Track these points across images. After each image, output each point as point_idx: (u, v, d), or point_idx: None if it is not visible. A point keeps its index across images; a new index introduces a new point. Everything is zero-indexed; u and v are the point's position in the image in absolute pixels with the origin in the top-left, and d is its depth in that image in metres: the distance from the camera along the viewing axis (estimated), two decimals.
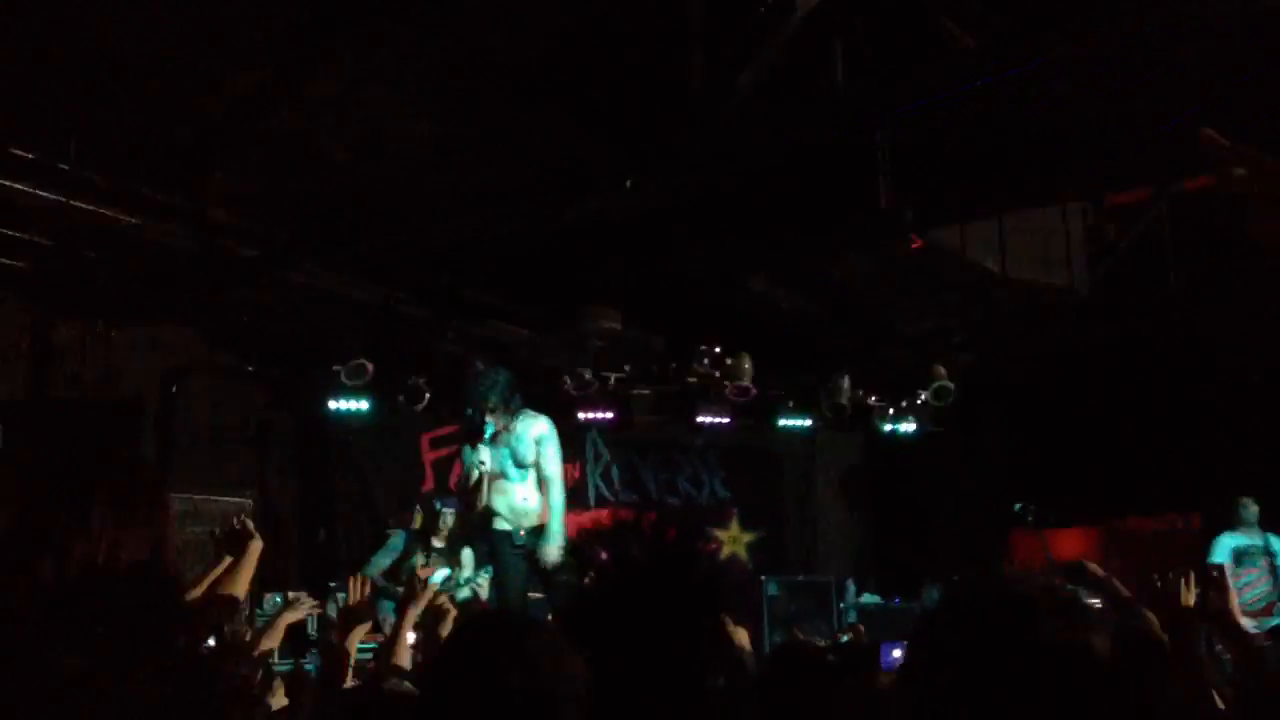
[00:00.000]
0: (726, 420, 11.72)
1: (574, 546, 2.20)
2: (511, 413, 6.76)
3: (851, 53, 5.78)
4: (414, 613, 4.05)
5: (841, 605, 11.12)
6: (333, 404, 9.95)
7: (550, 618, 5.00)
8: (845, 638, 7.99)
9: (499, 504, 6.77)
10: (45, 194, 6.35)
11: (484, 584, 8.07)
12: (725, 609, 2.17)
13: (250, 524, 3.58)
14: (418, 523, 8.36)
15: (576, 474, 11.52)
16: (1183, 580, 3.43)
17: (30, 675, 1.38)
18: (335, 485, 10.82)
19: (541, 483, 6.81)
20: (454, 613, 4.22)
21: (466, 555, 8.29)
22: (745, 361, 10.41)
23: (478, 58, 5.71)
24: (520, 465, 6.77)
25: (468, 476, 6.85)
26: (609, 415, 11.29)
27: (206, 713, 1.45)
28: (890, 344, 10.75)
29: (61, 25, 5.34)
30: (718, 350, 10.42)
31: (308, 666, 7.14)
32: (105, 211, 6.67)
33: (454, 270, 8.51)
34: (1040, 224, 8.38)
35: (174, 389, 9.47)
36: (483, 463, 6.66)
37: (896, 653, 8.77)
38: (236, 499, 8.72)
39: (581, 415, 10.99)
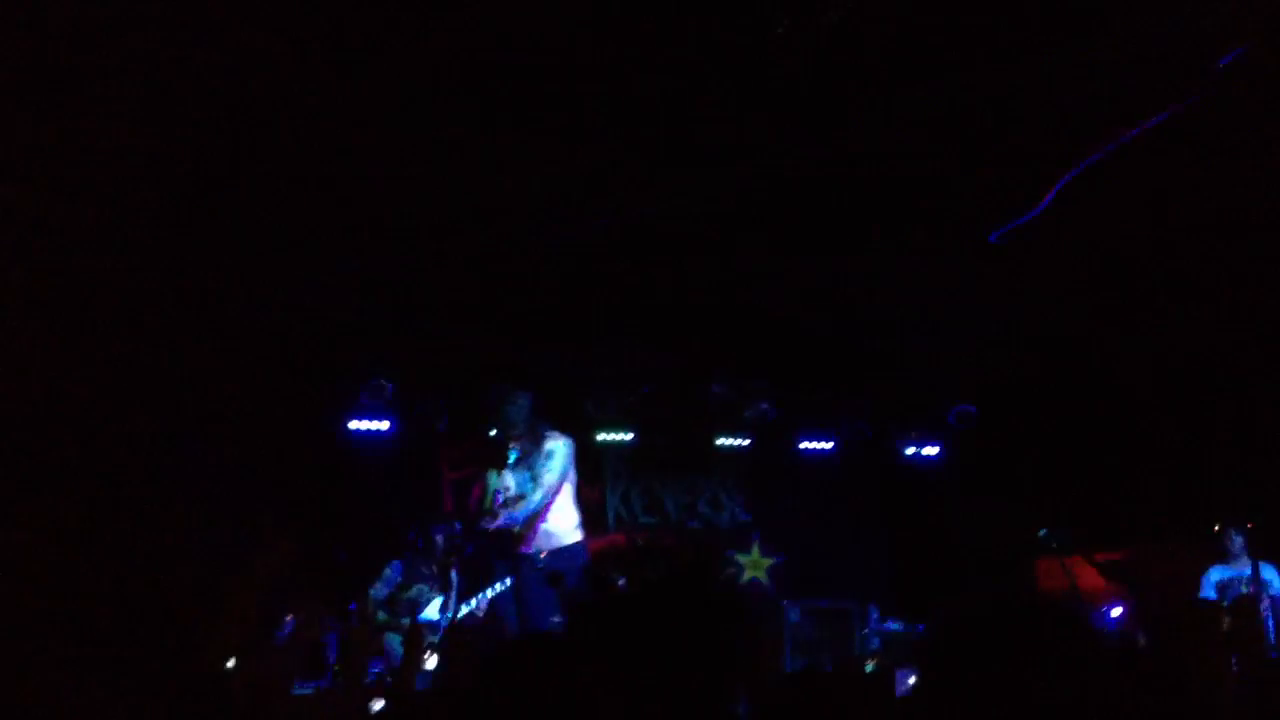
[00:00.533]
0: (746, 443, 11.66)
1: (591, 570, 2.18)
2: (535, 436, 6.74)
3: None
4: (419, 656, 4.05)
5: (864, 631, 11.00)
6: (352, 424, 9.95)
7: (568, 641, 4.94)
8: (870, 665, 7.91)
9: (521, 528, 6.75)
10: None
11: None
12: (746, 634, 2.13)
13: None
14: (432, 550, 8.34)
15: (596, 496, 11.46)
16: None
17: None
18: (354, 506, 10.79)
19: (532, 481, 6.74)
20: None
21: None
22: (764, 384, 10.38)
23: (502, 62, 5.68)
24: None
25: (490, 500, 6.83)
26: (628, 436, 11.24)
27: None
28: (913, 366, 10.68)
29: None
30: (738, 372, 10.38)
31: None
32: None
33: (474, 287, 8.50)
34: None
35: None
36: (507, 488, 6.63)
37: (912, 680, 8.71)
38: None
39: (600, 436, 10.94)
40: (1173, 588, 8.72)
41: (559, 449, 6.81)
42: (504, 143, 6.43)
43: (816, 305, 9.25)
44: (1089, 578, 10.36)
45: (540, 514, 6.72)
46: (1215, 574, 8.41)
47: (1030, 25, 5.47)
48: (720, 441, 11.71)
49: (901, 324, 9.70)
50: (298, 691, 5.71)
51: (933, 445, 11.79)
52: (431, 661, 7.27)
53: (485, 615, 7.93)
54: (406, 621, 7.73)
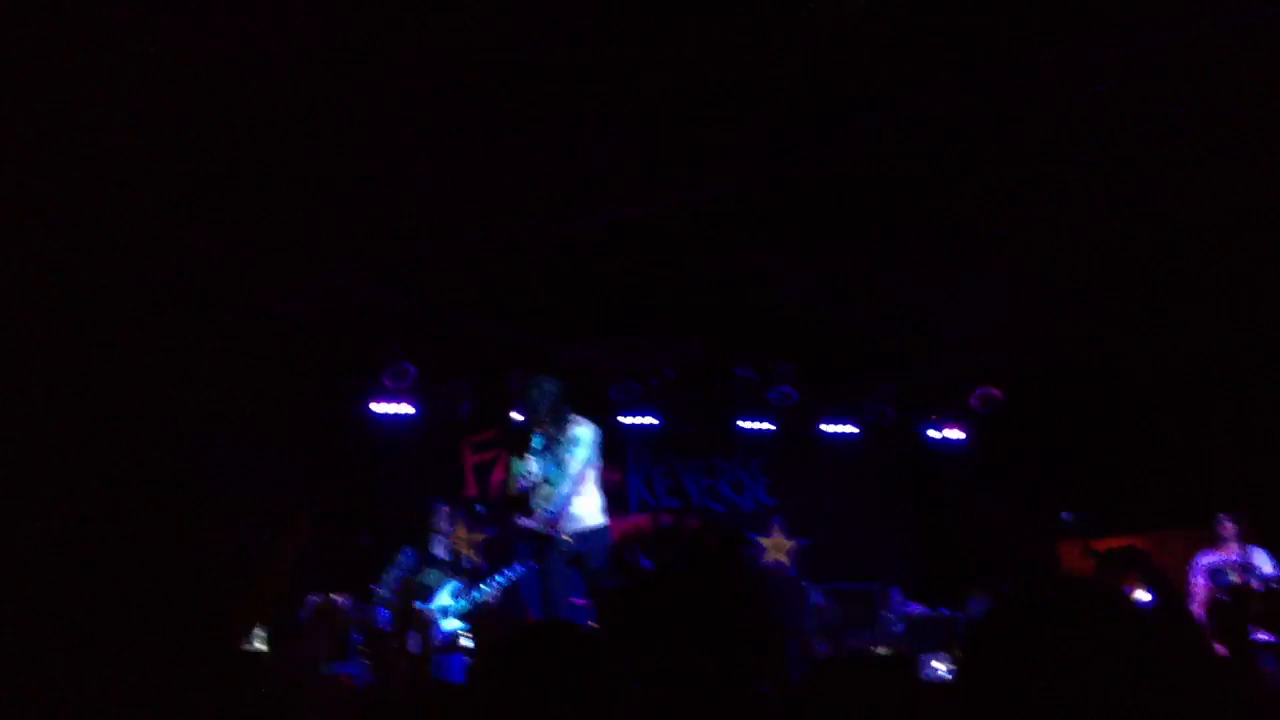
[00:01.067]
0: (769, 426, 11.66)
1: (616, 553, 2.18)
2: (560, 423, 6.74)
3: None
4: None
5: (887, 614, 11.00)
6: (375, 407, 10.00)
7: (593, 623, 4.97)
8: (884, 650, 7.92)
9: (545, 511, 6.77)
10: None
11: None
12: (770, 616, 2.13)
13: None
14: (459, 530, 8.38)
15: (618, 478, 11.49)
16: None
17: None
18: (377, 488, 10.85)
19: (557, 467, 6.74)
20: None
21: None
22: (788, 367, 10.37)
23: (520, 57, 5.69)
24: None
25: (515, 486, 6.84)
26: (651, 420, 11.26)
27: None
28: (936, 350, 10.66)
29: None
30: (761, 355, 10.38)
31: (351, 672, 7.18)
32: None
33: (496, 274, 8.52)
34: None
35: None
36: (530, 473, 6.63)
37: (935, 663, 8.70)
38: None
39: (623, 420, 10.95)
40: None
41: (585, 436, 6.80)
42: (529, 135, 6.44)
43: (840, 290, 9.24)
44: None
45: (568, 500, 6.74)
46: (1204, 559, 8.41)
47: (1044, 20, 5.44)
48: (743, 425, 11.72)
49: (925, 308, 9.67)
50: (326, 672, 5.78)
51: (956, 429, 11.76)
52: (415, 643, 7.33)
53: (501, 598, 7.98)
54: (421, 607, 7.78)
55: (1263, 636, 7.64)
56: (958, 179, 7.08)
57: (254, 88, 5.89)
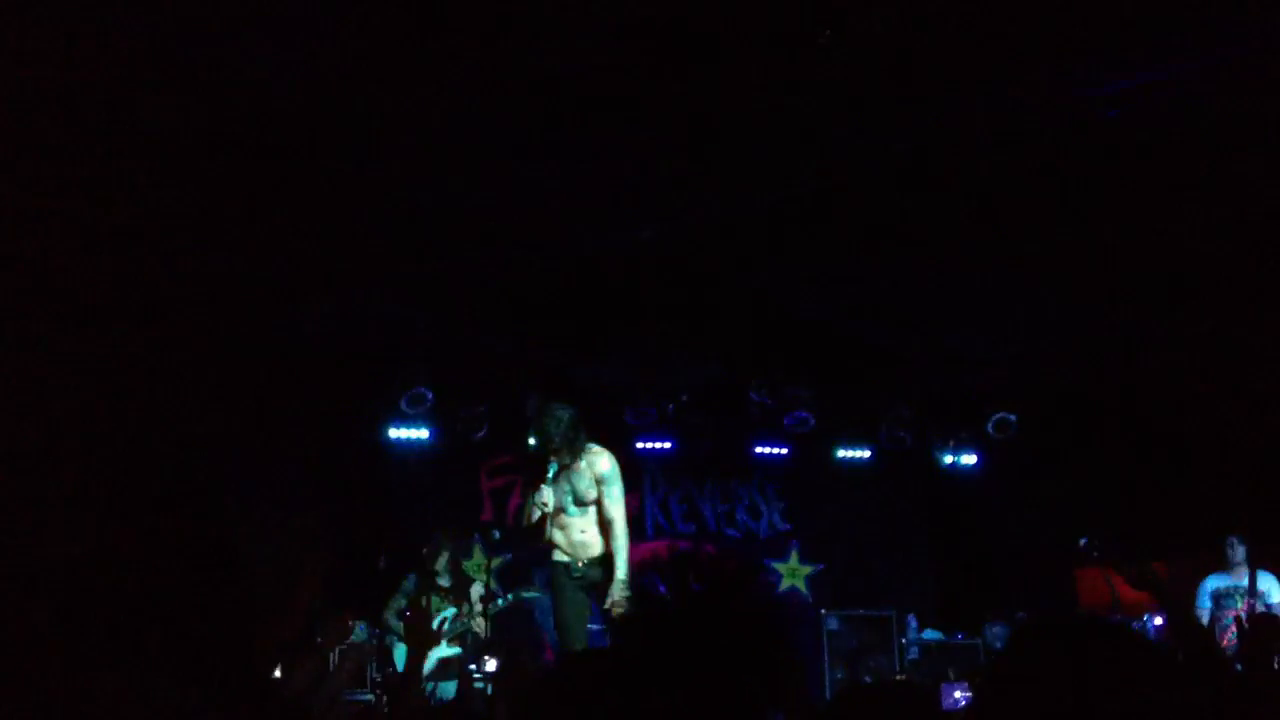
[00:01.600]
0: (785, 451, 11.64)
1: (632, 579, 2.19)
2: (576, 450, 6.73)
3: None
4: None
5: (903, 640, 10.95)
6: (393, 432, 10.03)
7: (608, 650, 4.96)
8: (900, 677, 7.88)
9: (558, 538, 6.76)
10: None
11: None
12: (786, 644, 2.13)
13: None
14: (440, 561, 8.42)
15: (634, 504, 11.48)
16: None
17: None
18: (394, 513, 10.86)
19: (604, 524, 6.74)
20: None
21: (476, 590, 8.35)
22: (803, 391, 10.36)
23: (538, 75, 5.72)
24: (580, 503, 6.74)
25: (529, 515, 6.83)
26: (667, 445, 11.26)
27: None
28: (952, 373, 10.64)
29: None
30: (776, 379, 10.37)
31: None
32: None
33: (513, 297, 8.55)
34: None
35: None
36: (545, 503, 6.62)
37: (957, 694, 8.65)
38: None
39: (639, 445, 10.96)
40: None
41: (609, 474, 6.77)
42: (541, 155, 6.47)
43: (855, 314, 9.24)
44: (1129, 586, 10.25)
45: (626, 548, 6.70)
46: (1211, 583, 8.31)
47: (1073, 28, 5.45)
48: (759, 450, 11.70)
49: (940, 332, 9.66)
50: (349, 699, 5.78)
51: (971, 453, 11.72)
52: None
53: (500, 628, 8.01)
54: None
55: None
56: (973, 201, 7.08)
57: (276, 106, 5.94)
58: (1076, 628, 1.34)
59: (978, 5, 5.22)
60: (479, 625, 8.20)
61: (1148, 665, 1.27)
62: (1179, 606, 3.59)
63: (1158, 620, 8.94)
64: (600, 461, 6.76)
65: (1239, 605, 8.16)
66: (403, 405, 9.47)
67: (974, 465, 11.72)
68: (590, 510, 6.77)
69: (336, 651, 5.66)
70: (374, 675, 8.38)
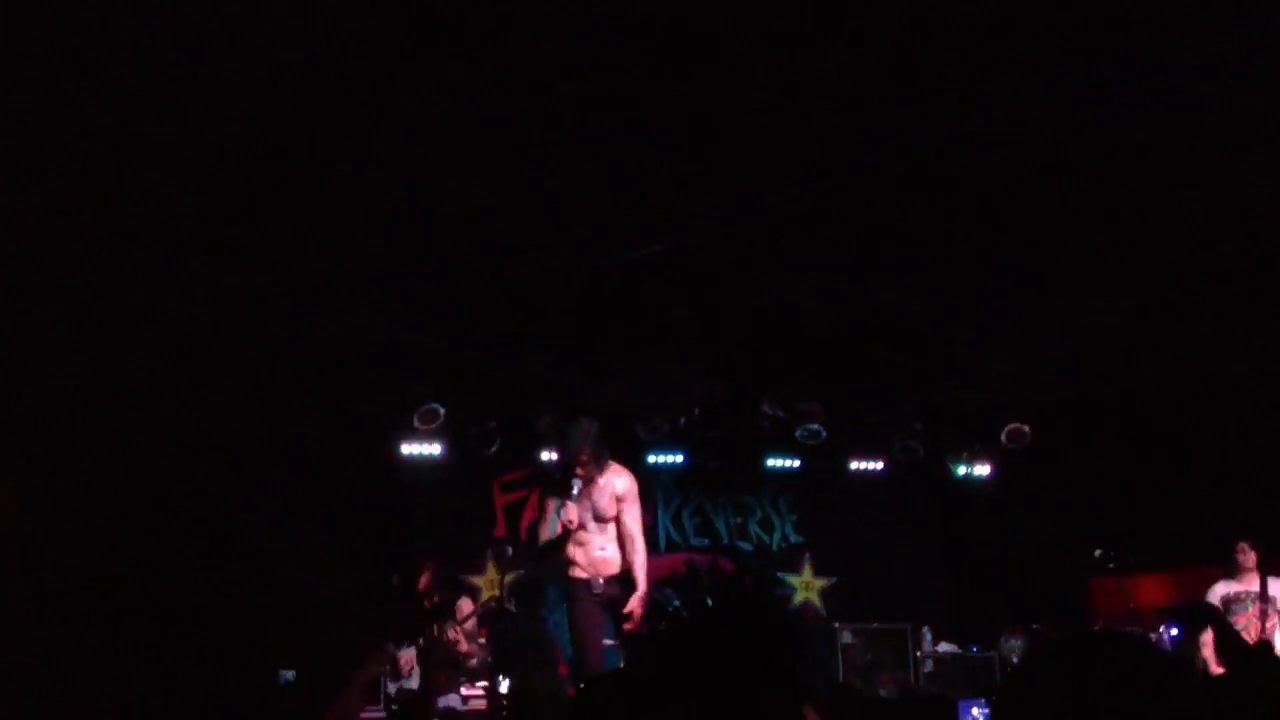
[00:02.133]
0: (797, 463, 11.63)
1: (648, 594, 2.20)
2: (599, 466, 6.73)
3: None
4: None
5: (918, 653, 10.91)
6: (405, 448, 10.04)
7: (624, 666, 4.95)
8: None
9: (576, 555, 6.75)
10: None
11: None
12: (802, 659, 2.13)
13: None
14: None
15: (647, 518, 11.47)
16: None
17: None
18: (408, 530, 10.86)
19: (624, 540, 6.75)
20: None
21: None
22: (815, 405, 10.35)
23: (548, 92, 5.74)
24: (600, 519, 6.75)
25: (553, 530, 6.81)
26: (678, 458, 11.25)
27: None
28: (964, 384, 10.62)
29: None
30: (788, 392, 10.36)
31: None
32: None
33: (525, 312, 8.56)
34: None
35: None
36: (571, 520, 6.61)
37: (975, 711, 8.60)
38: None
39: (652, 459, 10.95)
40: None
41: (628, 492, 6.79)
42: (551, 169, 6.48)
43: (867, 325, 9.23)
44: (1145, 597, 10.23)
45: (645, 564, 6.72)
46: (1220, 589, 8.24)
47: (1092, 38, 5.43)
48: (771, 463, 11.69)
49: (952, 343, 9.65)
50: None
51: (985, 464, 11.69)
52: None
53: (523, 642, 8.02)
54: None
55: None
56: (983, 212, 7.07)
57: (284, 123, 5.96)
58: (1094, 643, 1.34)
59: (978, 5, 5.23)
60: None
61: (1167, 680, 1.27)
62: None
63: (1173, 632, 8.90)
64: (621, 479, 6.78)
65: (1249, 610, 8.11)
66: (415, 421, 9.47)
67: (987, 476, 11.69)
68: (610, 527, 6.77)
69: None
70: (386, 690, 8.39)
